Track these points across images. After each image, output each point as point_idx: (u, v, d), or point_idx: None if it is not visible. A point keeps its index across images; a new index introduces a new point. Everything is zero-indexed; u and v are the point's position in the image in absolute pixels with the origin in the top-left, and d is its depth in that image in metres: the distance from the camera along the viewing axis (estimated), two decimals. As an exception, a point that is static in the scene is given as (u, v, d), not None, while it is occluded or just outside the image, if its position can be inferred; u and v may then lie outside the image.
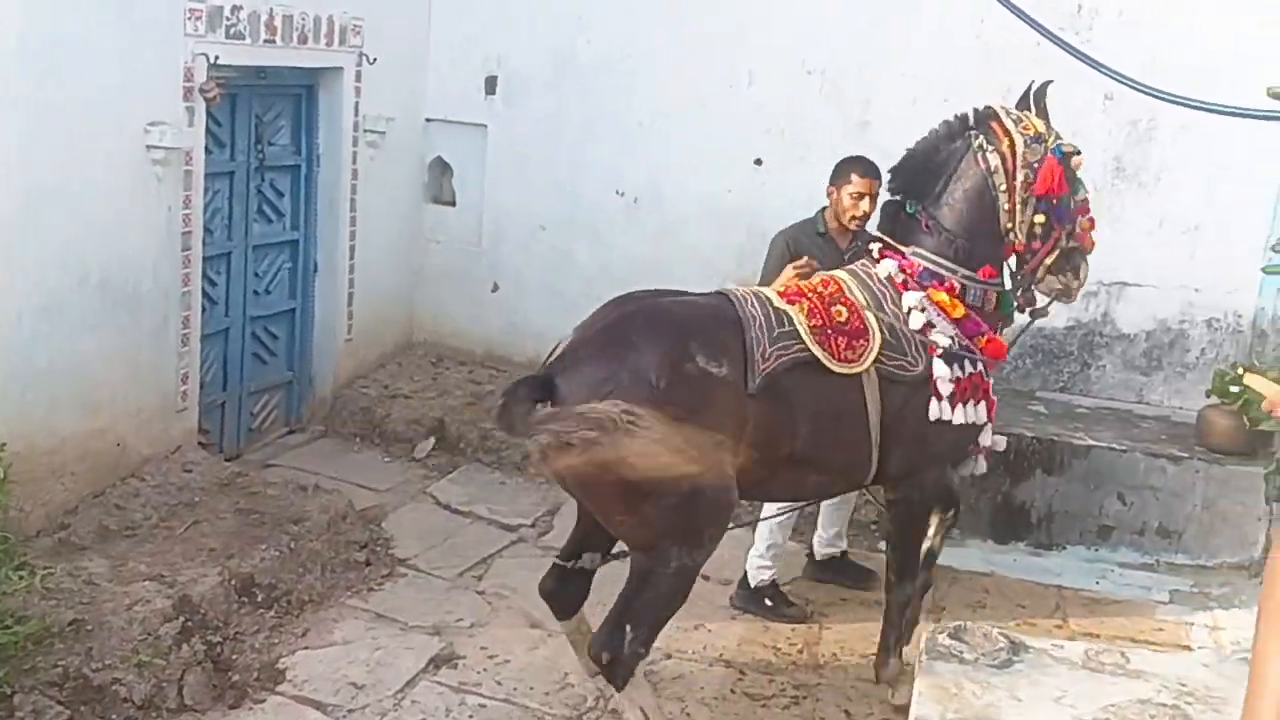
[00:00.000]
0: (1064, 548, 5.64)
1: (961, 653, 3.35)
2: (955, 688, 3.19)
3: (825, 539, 5.22)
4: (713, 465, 3.49)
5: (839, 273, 4.12)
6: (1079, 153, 4.17)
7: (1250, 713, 1.70)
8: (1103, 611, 5.12)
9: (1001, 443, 4.35)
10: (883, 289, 3.99)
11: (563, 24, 7.05)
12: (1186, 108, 5.04)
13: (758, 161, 6.81)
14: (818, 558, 5.27)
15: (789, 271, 4.44)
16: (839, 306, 3.89)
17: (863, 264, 4.13)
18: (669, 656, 4.49)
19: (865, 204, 4.68)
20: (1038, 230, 4.06)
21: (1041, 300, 4.31)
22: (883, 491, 4.22)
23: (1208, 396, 5.82)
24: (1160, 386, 6.48)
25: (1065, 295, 4.26)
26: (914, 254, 4.05)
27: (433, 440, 6.40)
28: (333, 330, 6.76)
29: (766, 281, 4.55)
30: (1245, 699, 1.62)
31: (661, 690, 4.25)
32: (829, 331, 3.79)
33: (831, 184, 4.82)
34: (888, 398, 3.87)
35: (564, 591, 4.01)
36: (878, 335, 3.87)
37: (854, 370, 3.81)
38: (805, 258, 4.56)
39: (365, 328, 6.98)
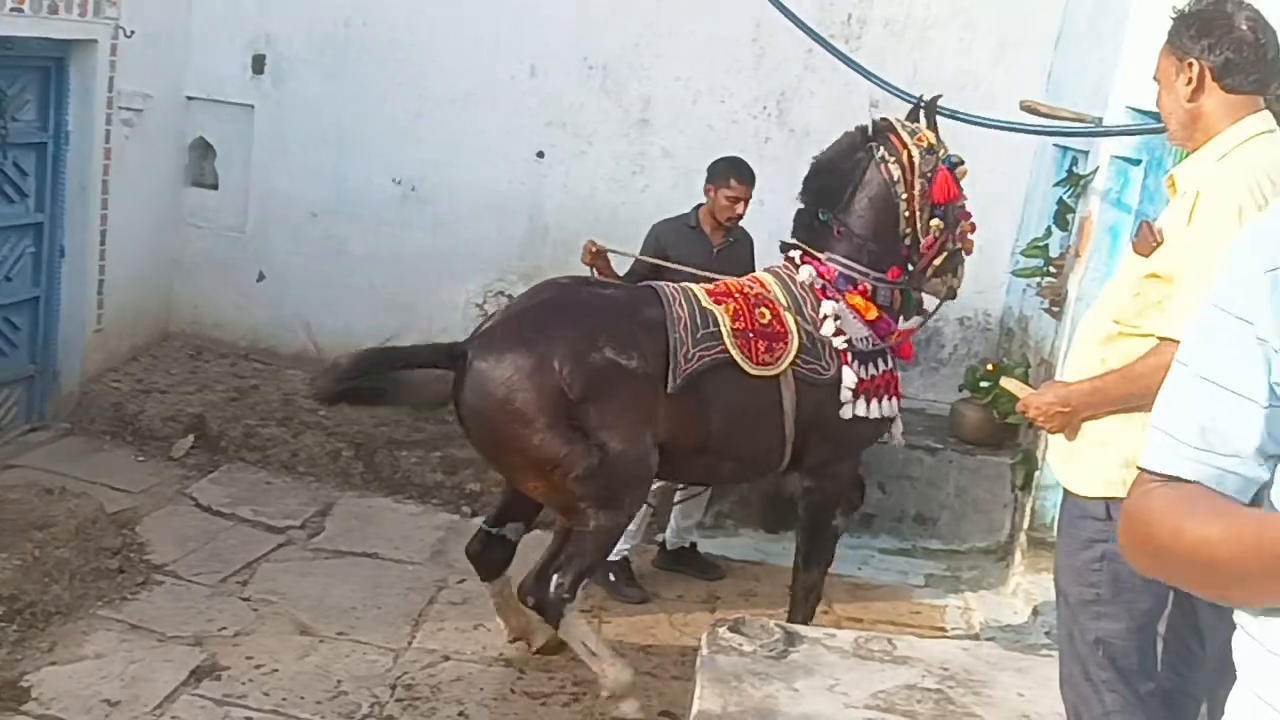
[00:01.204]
0: (830, 536, 5.84)
1: (740, 645, 3.43)
2: (735, 680, 3.25)
3: (676, 529, 5.28)
4: (628, 438, 3.78)
5: (764, 274, 4.35)
6: (963, 162, 4.49)
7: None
8: (865, 596, 5.34)
9: (900, 429, 4.63)
10: (803, 294, 4.23)
11: (335, 4, 6.80)
12: (944, 117, 5.33)
13: (539, 154, 6.77)
14: (669, 548, 5.33)
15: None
16: (763, 309, 4.12)
17: (785, 267, 4.36)
18: (447, 658, 4.39)
19: (740, 207, 4.99)
20: (934, 235, 4.35)
21: (931, 301, 4.64)
22: (799, 479, 4.47)
23: (960, 391, 6.17)
24: (917, 380, 6.82)
25: (950, 295, 4.58)
26: (829, 259, 4.29)
27: (192, 438, 6.05)
28: (80, 320, 6.30)
29: (631, 270, 4.93)
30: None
31: (439, 694, 4.16)
32: (751, 335, 4.03)
33: (710, 183, 5.05)
34: (803, 398, 4.12)
35: (489, 555, 4.26)
36: (796, 339, 4.11)
37: (770, 373, 4.05)
38: (595, 242, 4.92)
39: (117, 317, 6.54)
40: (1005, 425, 5.76)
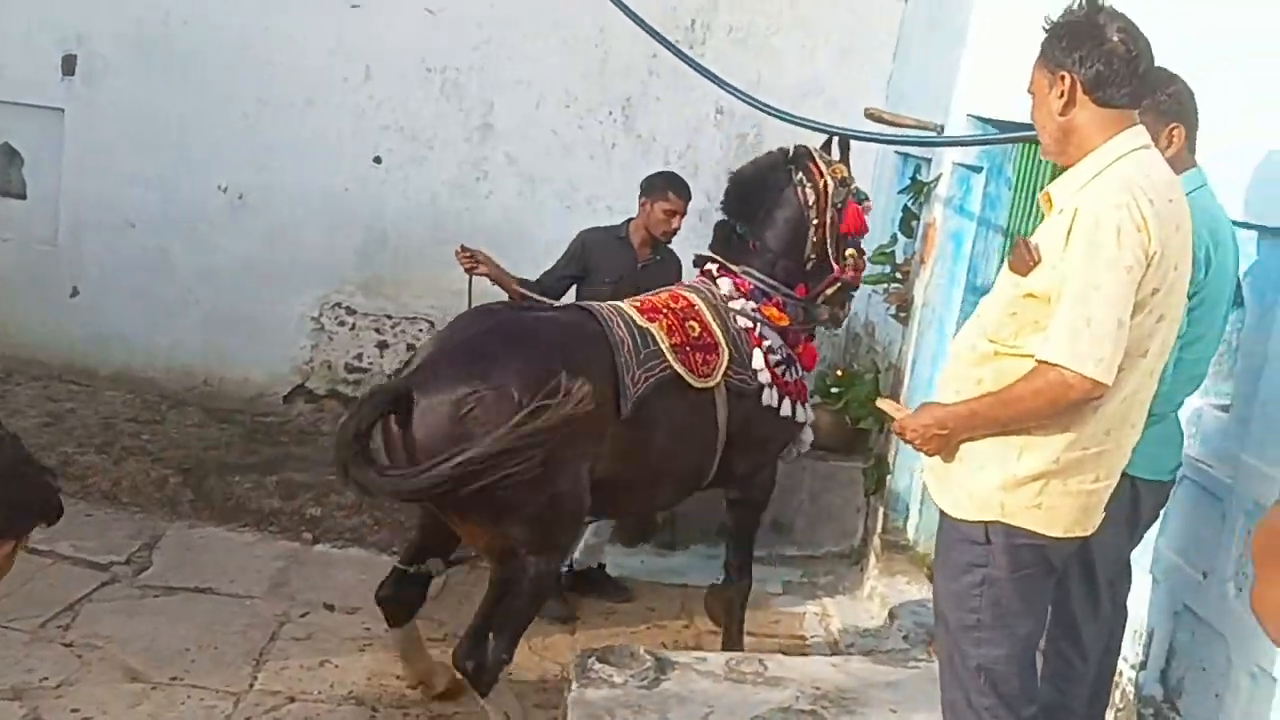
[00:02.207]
0: (687, 547, 5.77)
1: (611, 676, 3.31)
2: (608, 715, 3.13)
3: (585, 548, 5.15)
4: (571, 478, 3.62)
5: (684, 289, 4.36)
6: (869, 199, 4.65)
7: None
8: (726, 608, 5.28)
9: (809, 437, 4.72)
10: (724, 306, 4.26)
11: (152, 1, 6.38)
12: (790, 123, 5.32)
13: (377, 159, 6.51)
14: (575, 569, 5.17)
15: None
16: (692, 322, 4.13)
17: (703, 281, 4.39)
18: (293, 700, 4.11)
19: (676, 221, 4.99)
20: (850, 264, 4.50)
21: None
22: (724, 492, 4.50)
23: (810, 397, 6.17)
24: (767, 387, 6.83)
25: (834, 323, 4.72)
26: (745, 273, 4.36)
27: (2, 468, 5.57)
28: None
29: (551, 272, 4.95)
30: None
31: (287, 738, 3.90)
32: (687, 349, 4.02)
33: (645, 196, 5.03)
34: (734, 409, 4.14)
35: (400, 597, 4.03)
36: (726, 350, 4.14)
37: (709, 384, 4.06)
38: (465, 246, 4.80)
39: (-87, 339, 6.01)
40: (857, 430, 5.79)
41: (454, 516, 3.78)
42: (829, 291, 4.51)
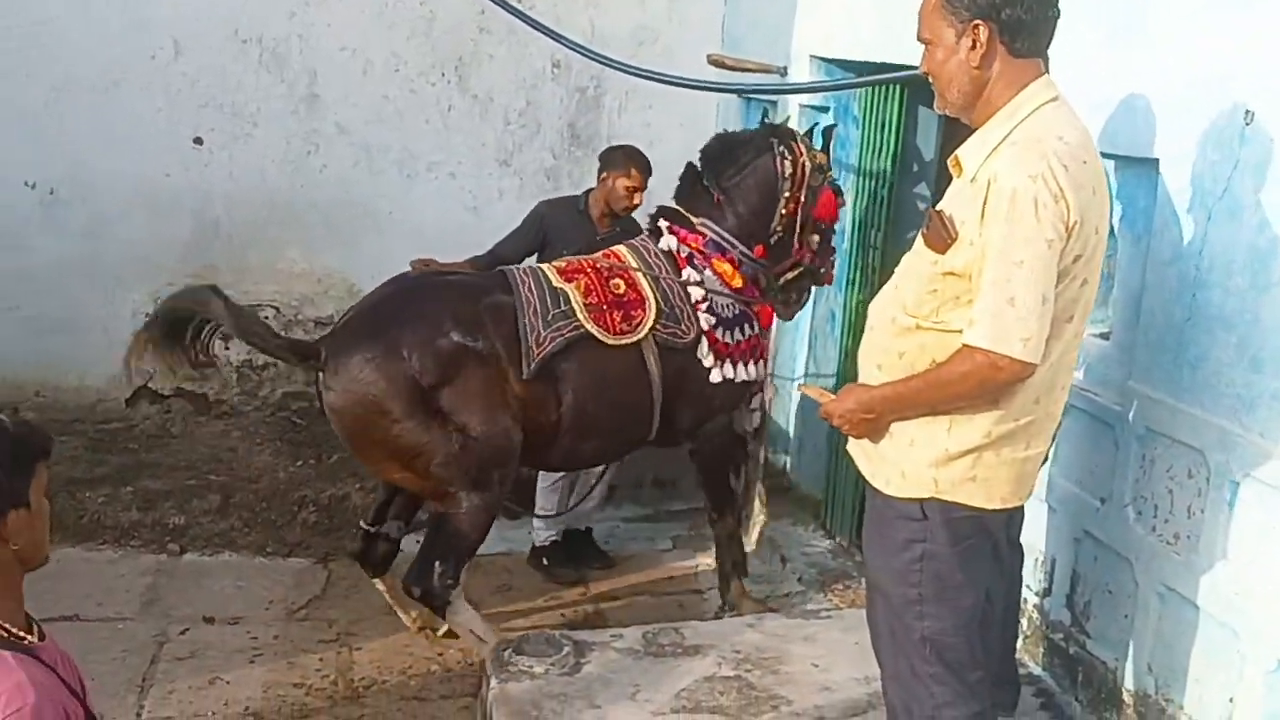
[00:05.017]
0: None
1: (531, 667, 3.23)
2: (534, 709, 3.06)
3: (569, 513, 5.10)
4: (486, 419, 3.80)
5: (620, 247, 4.35)
6: (844, 194, 4.65)
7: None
8: (617, 569, 5.25)
9: (772, 393, 4.81)
10: (659, 263, 4.25)
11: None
12: (631, 75, 5.23)
13: (197, 140, 6.12)
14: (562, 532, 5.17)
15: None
16: (617, 280, 4.15)
17: (643, 239, 4.38)
18: (185, 725, 3.91)
19: (637, 197, 4.91)
20: (810, 248, 4.45)
21: None
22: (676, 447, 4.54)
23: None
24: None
25: (784, 311, 4.62)
26: (702, 224, 4.33)
27: None
28: None
29: (506, 244, 4.90)
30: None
31: (183, 767, 3.70)
32: (605, 307, 4.05)
33: (606, 170, 4.95)
34: (666, 363, 4.16)
35: (373, 553, 4.32)
36: (654, 306, 4.14)
37: (630, 341, 4.07)
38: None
39: None
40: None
41: (379, 468, 4.07)
42: (789, 275, 4.46)
